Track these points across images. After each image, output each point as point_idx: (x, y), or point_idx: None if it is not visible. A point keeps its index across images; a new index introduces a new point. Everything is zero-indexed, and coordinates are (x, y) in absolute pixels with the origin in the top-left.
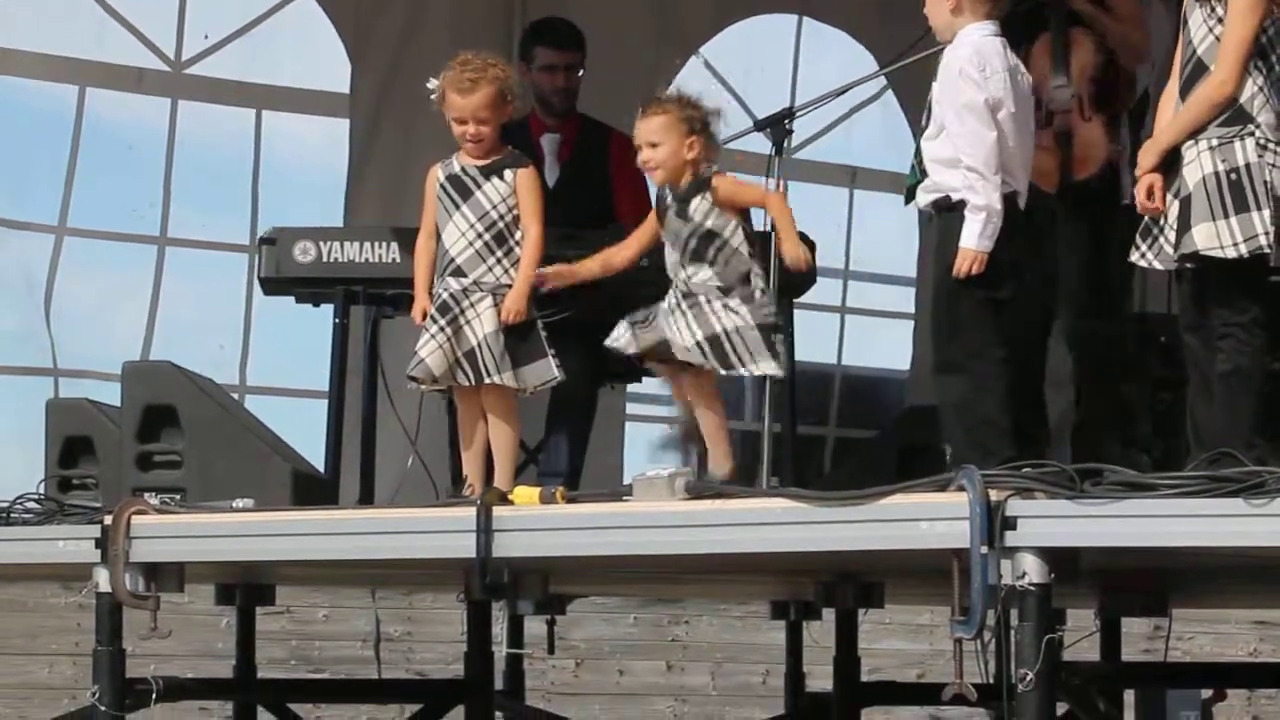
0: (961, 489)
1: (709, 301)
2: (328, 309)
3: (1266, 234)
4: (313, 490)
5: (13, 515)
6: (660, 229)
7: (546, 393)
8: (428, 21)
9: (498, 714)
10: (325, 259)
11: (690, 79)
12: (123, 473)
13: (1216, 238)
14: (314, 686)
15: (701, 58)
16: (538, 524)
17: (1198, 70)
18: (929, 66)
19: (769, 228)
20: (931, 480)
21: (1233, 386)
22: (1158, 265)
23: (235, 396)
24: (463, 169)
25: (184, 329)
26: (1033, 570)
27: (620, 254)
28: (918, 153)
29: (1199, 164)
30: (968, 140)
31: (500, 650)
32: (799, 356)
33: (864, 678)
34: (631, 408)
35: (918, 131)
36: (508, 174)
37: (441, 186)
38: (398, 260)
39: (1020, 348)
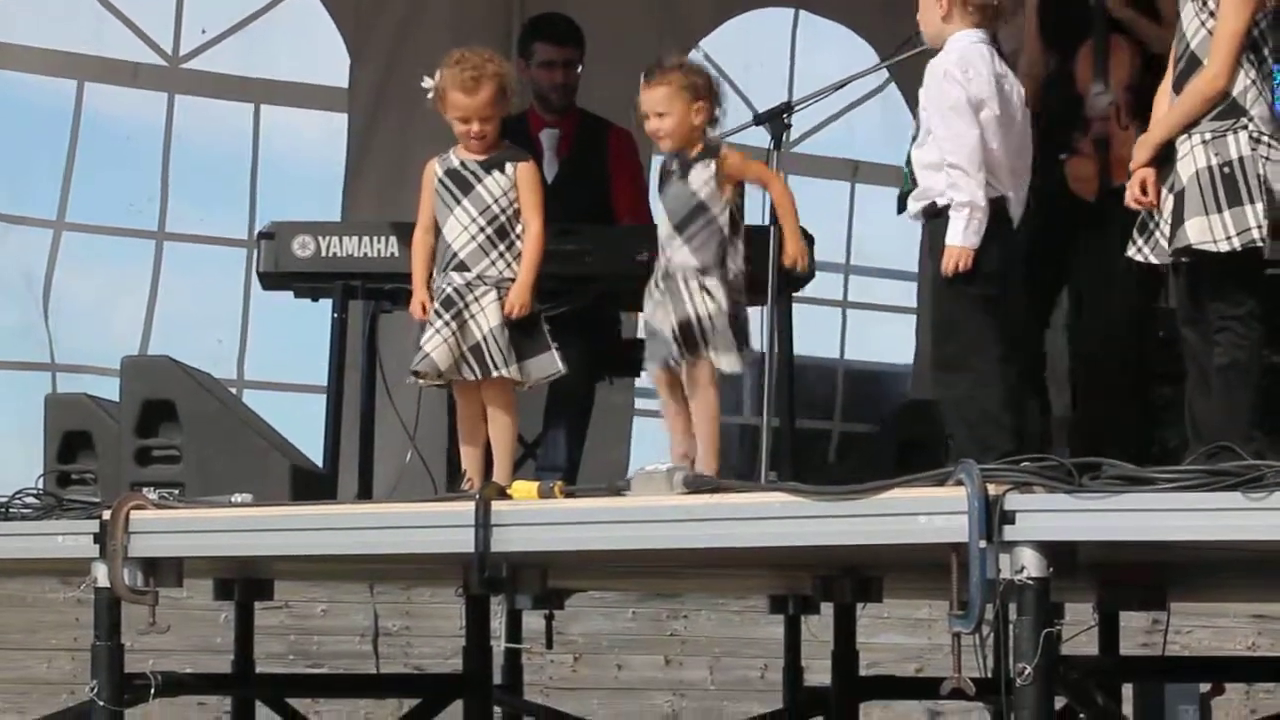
0: (960, 483)
1: (686, 282)
2: (326, 304)
3: (1259, 227)
4: (311, 485)
5: (11, 510)
6: (659, 196)
7: (544, 387)
8: (427, 16)
9: (496, 709)
10: (324, 254)
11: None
12: (121, 468)
13: (1209, 231)
14: (312, 681)
15: (701, 52)
16: (536, 519)
17: (1191, 65)
18: (930, 60)
19: (768, 220)
20: (930, 475)
21: (1230, 380)
22: (1153, 260)
23: (233, 391)
24: (462, 163)
25: (182, 324)
26: (1031, 564)
27: None
28: (909, 161)
29: (1192, 158)
30: (950, 139)
31: (499, 645)
32: (802, 351)
33: (862, 672)
34: (640, 403)
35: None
36: (508, 168)
37: (440, 181)
38: (396, 255)
39: (1018, 345)
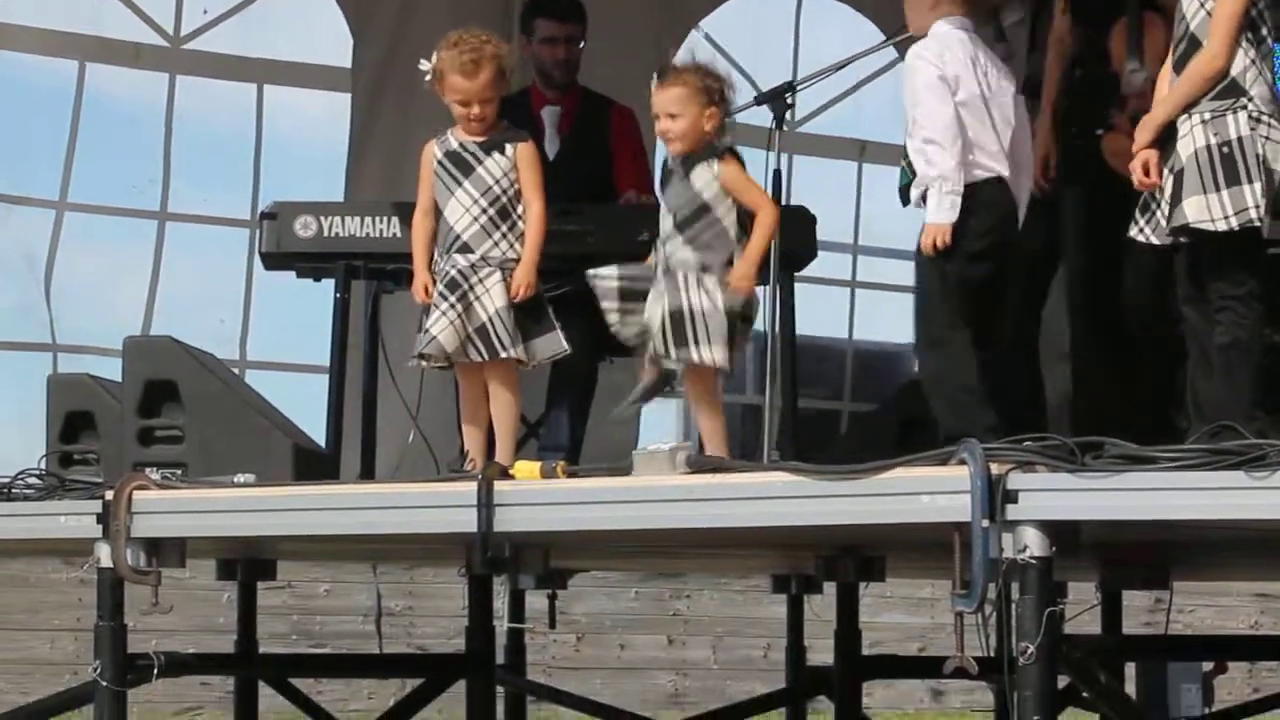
0: (963, 462)
1: (685, 276)
2: (328, 284)
3: (1257, 206)
4: (314, 465)
5: (14, 491)
6: (660, 194)
7: (547, 367)
8: None
9: (499, 689)
10: (326, 234)
11: (695, 53)
12: (124, 448)
13: (1207, 210)
14: (315, 661)
15: (702, 31)
16: (539, 498)
17: (1191, 45)
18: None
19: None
20: (933, 454)
21: (1232, 359)
22: (1154, 240)
23: (236, 371)
24: (461, 145)
25: (184, 304)
26: (1034, 543)
27: None
28: (905, 154)
29: (1192, 138)
30: (924, 114)
31: (501, 625)
32: (810, 331)
33: (865, 651)
34: None
35: None
36: (508, 148)
37: (439, 163)
38: (398, 235)
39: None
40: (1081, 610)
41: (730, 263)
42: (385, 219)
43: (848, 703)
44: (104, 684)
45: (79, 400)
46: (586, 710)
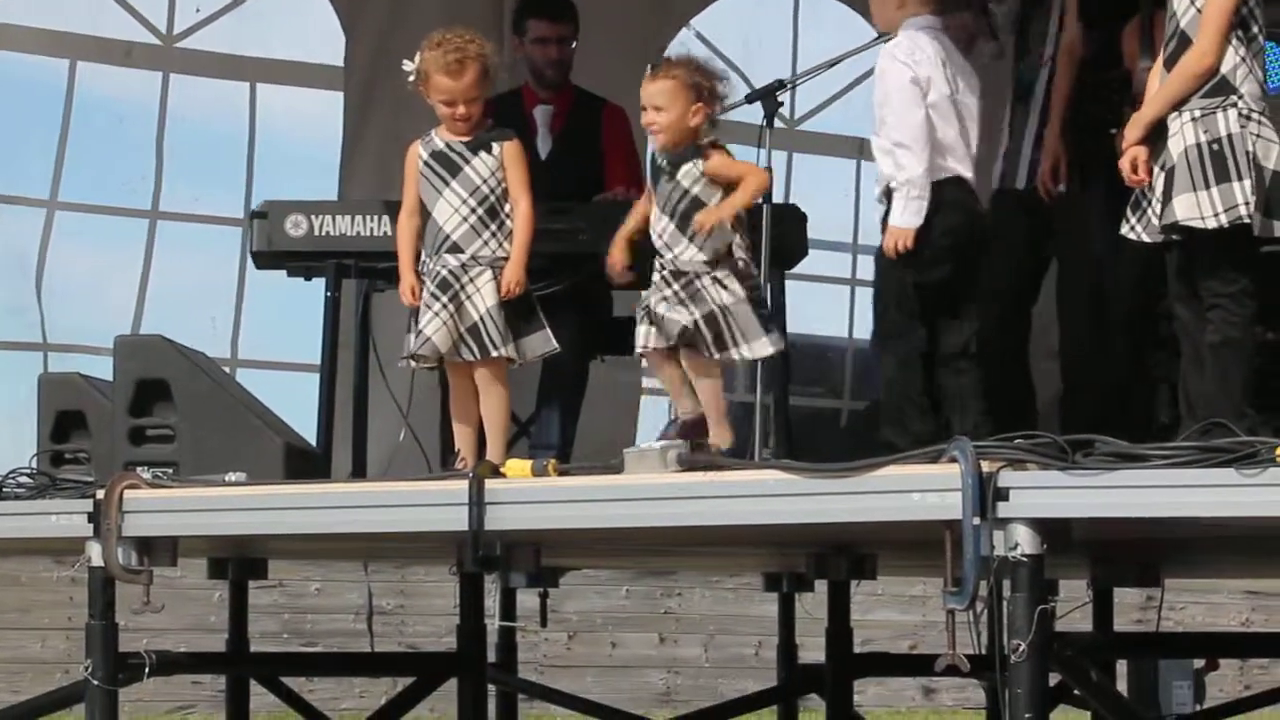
0: (953, 460)
1: (699, 278)
2: (319, 283)
3: (1247, 204)
4: (305, 464)
5: (5, 490)
6: (652, 193)
7: (537, 365)
8: None
9: (490, 687)
10: (317, 233)
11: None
12: (115, 447)
13: (1197, 208)
14: (307, 660)
15: (693, 30)
16: (530, 497)
17: (1181, 43)
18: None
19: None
20: (924, 452)
21: (1223, 357)
22: (1145, 238)
23: (227, 370)
24: (447, 145)
25: (176, 303)
26: (1025, 541)
27: (629, 228)
28: None
29: (1182, 135)
30: (896, 117)
31: (493, 623)
32: (809, 329)
33: (856, 649)
34: (646, 381)
35: None
36: (494, 147)
37: (425, 164)
38: (389, 234)
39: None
40: (1073, 608)
41: (730, 251)
42: (376, 218)
43: (839, 700)
44: (95, 683)
45: (70, 399)
46: (578, 708)
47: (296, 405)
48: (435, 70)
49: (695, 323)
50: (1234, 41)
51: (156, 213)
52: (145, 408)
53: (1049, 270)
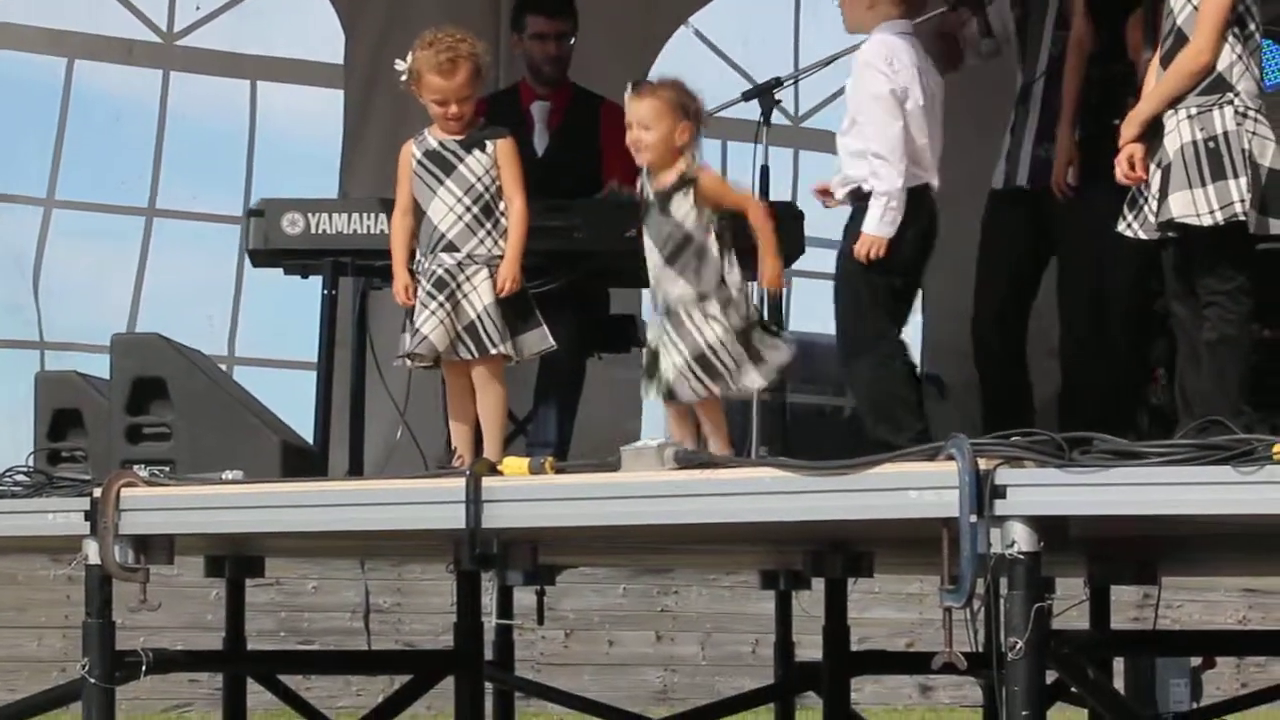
0: (950, 458)
1: (689, 315)
2: (316, 281)
3: (1243, 201)
4: (302, 462)
5: (1, 488)
6: (643, 225)
7: (534, 363)
8: None
9: (487, 685)
10: (313, 230)
11: (685, 49)
12: (112, 445)
13: (1193, 205)
14: (303, 658)
15: (691, 27)
16: (527, 494)
17: (1178, 40)
18: (858, 50)
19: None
20: (921, 449)
21: (1220, 355)
22: (1142, 235)
23: (224, 368)
24: (441, 144)
25: (173, 301)
26: (1022, 539)
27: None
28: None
29: (1178, 133)
30: (874, 128)
31: (490, 621)
32: (812, 327)
33: (853, 647)
34: None
35: None
36: (488, 145)
37: (419, 163)
38: (386, 232)
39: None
40: (1070, 606)
41: (723, 282)
42: (373, 215)
43: (836, 698)
44: (92, 681)
45: (67, 397)
46: (575, 706)
47: (293, 403)
48: (427, 70)
49: (688, 363)
50: (1230, 39)
51: (153, 210)
52: (142, 406)
53: (1049, 268)
